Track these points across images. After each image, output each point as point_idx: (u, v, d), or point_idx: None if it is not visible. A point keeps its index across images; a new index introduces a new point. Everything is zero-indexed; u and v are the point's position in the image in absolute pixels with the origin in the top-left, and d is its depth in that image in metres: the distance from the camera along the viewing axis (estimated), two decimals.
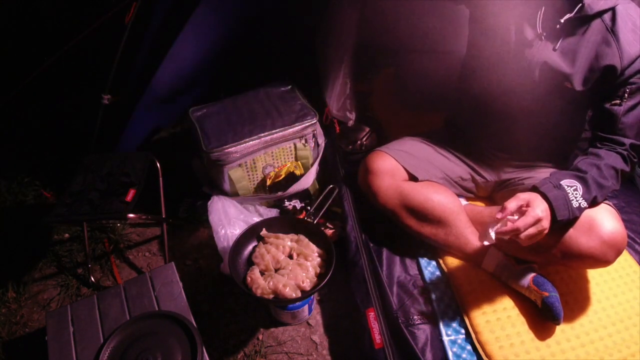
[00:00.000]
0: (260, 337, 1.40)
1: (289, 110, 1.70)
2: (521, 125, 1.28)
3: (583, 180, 1.10)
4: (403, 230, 1.37)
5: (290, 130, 1.64)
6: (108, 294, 1.23)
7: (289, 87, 1.83)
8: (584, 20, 1.11)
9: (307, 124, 1.66)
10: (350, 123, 1.88)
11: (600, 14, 1.09)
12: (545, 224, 1.04)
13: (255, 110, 1.71)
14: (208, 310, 1.48)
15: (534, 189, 1.10)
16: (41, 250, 1.72)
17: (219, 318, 1.46)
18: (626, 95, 1.10)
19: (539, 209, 1.04)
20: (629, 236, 1.45)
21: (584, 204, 1.09)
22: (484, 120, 1.36)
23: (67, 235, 1.78)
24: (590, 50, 1.11)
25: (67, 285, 1.59)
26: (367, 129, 1.87)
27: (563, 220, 1.07)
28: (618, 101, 1.12)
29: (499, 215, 1.04)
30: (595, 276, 1.31)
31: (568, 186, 1.09)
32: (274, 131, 1.62)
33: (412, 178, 1.38)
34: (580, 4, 1.08)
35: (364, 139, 1.86)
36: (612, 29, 1.09)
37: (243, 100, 1.77)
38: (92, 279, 1.57)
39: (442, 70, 1.69)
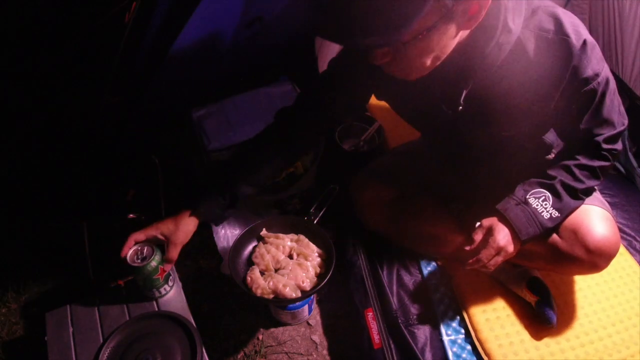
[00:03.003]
0: (260, 337, 1.40)
1: None
2: (486, 168, 1.25)
3: (551, 189, 1.03)
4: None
5: None
6: (108, 294, 1.24)
7: (289, 87, 1.82)
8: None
9: None
10: (350, 122, 1.88)
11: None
12: (510, 248, 1.02)
13: (255, 110, 1.71)
14: (208, 310, 1.48)
15: (495, 210, 1.05)
16: (41, 250, 1.72)
17: (219, 318, 1.46)
18: (575, 109, 1.00)
19: (500, 235, 1.01)
20: (629, 235, 1.45)
21: (555, 214, 1.03)
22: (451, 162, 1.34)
23: (67, 235, 1.78)
24: (512, 95, 1.00)
25: (67, 285, 1.59)
26: (368, 129, 1.87)
27: (529, 238, 1.03)
28: (570, 117, 1.02)
29: (468, 249, 1.04)
30: (595, 276, 1.31)
31: (535, 198, 1.03)
32: None
33: (401, 194, 1.38)
34: (469, 78, 0.96)
35: (365, 138, 1.86)
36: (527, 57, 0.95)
37: (243, 100, 1.77)
38: (92, 279, 1.57)
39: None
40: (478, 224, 1.06)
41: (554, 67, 0.92)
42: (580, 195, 1.06)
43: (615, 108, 1.01)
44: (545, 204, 1.03)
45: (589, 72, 0.93)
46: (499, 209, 1.05)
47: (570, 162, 1.05)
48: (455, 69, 0.93)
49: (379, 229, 1.37)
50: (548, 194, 1.03)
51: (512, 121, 1.04)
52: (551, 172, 1.05)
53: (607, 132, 1.02)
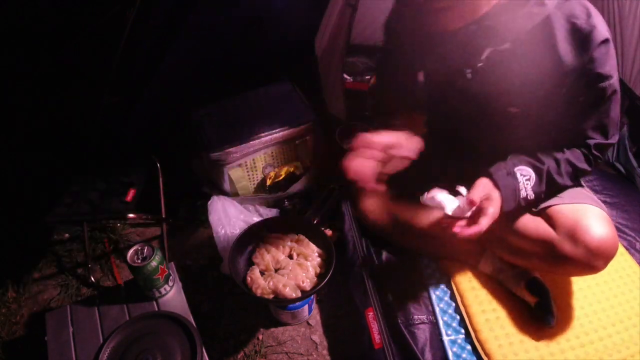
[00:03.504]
0: (260, 337, 1.40)
1: (289, 110, 1.70)
2: (487, 149, 1.22)
3: (538, 172, 1.06)
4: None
5: (290, 130, 1.64)
6: (108, 294, 1.24)
7: (289, 87, 1.83)
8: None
9: (307, 124, 1.66)
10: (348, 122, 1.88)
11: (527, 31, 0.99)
12: (497, 216, 1.00)
13: (255, 110, 1.72)
14: (208, 310, 1.48)
15: (488, 174, 1.04)
16: (41, 250, 1.72)
17: (219, 318, 1.46)
18: (581, 99, 1.03)
19: (497, 205, 1.00)
20: (629, 235, 1.45)
21: (531, 196, 1.05)
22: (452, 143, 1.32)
23: (67, 235, 1.78)
24: (530, 67, 1.02)
25: (67, 285, 1.59)
26: (368, 129, 1.87)
27: (507, 211, 1.03)
28: (573, 110, 1.05)
29: (466, 204, 0.99)
30: (595, 276, 1.30)
31: (522, 175, 1.05)
32: (274, 131, 1.62)
33: (402, 193, 1.37)
34: (496, 37, 1.00)
35: None
36: (550, 40, 0.98)
37: (243, 101, 1.77)
38: (92, 279, 1.57)
39: None
40: (476, 194, 1.00)
41: (574, 52, 0.97)
42: (554, 190, 1.10)
43: (615, 119, 1.05)
44: (527, 184, 1.04)
45: (605, 68, 0.97)
46: (493, 174, 1.04)
47: (560, 156, 1.07)
48: (485, 27, 0.99)
49: (379, 225, 1.37)
50: (534, 175, 1.05)
51: (522, 96, 1.06)
52: (542, 157, 1.07)
53: (599, 139, 1.06)
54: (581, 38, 0.95)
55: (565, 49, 0.96)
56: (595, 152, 1.07)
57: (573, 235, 1.05)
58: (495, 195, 1.01)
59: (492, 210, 0.98)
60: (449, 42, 1.05)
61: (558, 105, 1.06)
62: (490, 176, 1.04)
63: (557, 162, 1.07)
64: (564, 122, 1.09)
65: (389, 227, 1.35)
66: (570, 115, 1.05)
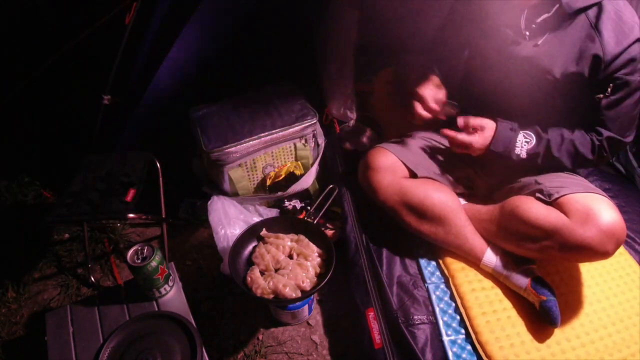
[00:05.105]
0: (260, 337, 1.40)
1: (289, 110, 1.70)
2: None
3: (539, 139, 1.22)
4: (403, 228, 1.36)
5: (290, 130, 1.64)
6: (108, 294, 1.24)
7: (289, 87, 1.83)
8: (565, 17, 1.12)
9: (307, 124, 1.66)
10: (351, 123, 1.88)
11: (581, 10, 1.11)
12: (477, 150, 1.26)
13: (255, 110, 1.71)
14: (208, 310, 1.48)
15: (495, 119, 1.25)
16: (41, 250, 1.72)
17: (219, 318, 1.46)
18: (609, 90, 1.13)
19: (484, 137, 1.24)
20: (628, 236, 1.45)
21: (523, 154, 1.23)
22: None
23: (67, 235, 1.78)
24: (573, 44, 1.13)
25: (67, 285, 1.59)
26: (367, 129, 1.87)
27: (494, 151, 1.24)
28: (602, 95, 1.14)
29: (461, 122, 1.26)
30: (595, 276, 1.31)
31: (524, 135, 1.23)
32: (274, 131, 1.62)
33: (412, 175, 1.38)
34: (558, 5, 1.11)
35: (364, 138, 1.86)
36: (595, 25, 1.10)
37: (243, 100, 1.77)
38: (92, 279, 1.57)
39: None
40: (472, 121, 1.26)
41: (615, 41, 1.09)
42: (548, 161, 1.24)
43: (633, 118, 1.17)
44: (525, 145, 1.23)
45: (637, 66, 1.09)
46: (498, 121, 1.24)
47: (567, 135, 1.21)
48: None
49: (389, 204, 1.34)
50: (534, 141, 1.22)
51: (570, 69, 1.15)
52: (549, 130, 1.23)
53: (613, 134, 1.18)
54: (624, 31, 1.08)
55: (610, 35, 1.08)
56: (605, 144, 1.19)
57: (586, 219, 1.09)
58: (489, 132, 1.24)
59: (477, 138, 1.25)
60: (509, 8, 1.17)
61: (585, 85, 1.15)
62: (495, 121, 1.25)
63: (562, 138, 1.21)
64: (586, 105, 1.18)
65: (399, 206, 1.33)
66: (594, 100, 1.15)
